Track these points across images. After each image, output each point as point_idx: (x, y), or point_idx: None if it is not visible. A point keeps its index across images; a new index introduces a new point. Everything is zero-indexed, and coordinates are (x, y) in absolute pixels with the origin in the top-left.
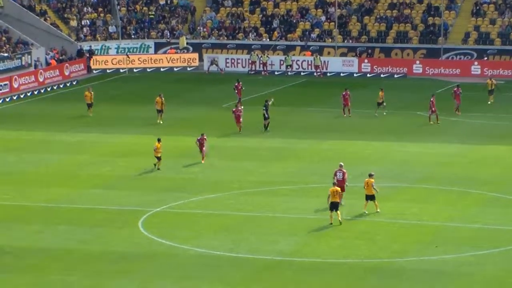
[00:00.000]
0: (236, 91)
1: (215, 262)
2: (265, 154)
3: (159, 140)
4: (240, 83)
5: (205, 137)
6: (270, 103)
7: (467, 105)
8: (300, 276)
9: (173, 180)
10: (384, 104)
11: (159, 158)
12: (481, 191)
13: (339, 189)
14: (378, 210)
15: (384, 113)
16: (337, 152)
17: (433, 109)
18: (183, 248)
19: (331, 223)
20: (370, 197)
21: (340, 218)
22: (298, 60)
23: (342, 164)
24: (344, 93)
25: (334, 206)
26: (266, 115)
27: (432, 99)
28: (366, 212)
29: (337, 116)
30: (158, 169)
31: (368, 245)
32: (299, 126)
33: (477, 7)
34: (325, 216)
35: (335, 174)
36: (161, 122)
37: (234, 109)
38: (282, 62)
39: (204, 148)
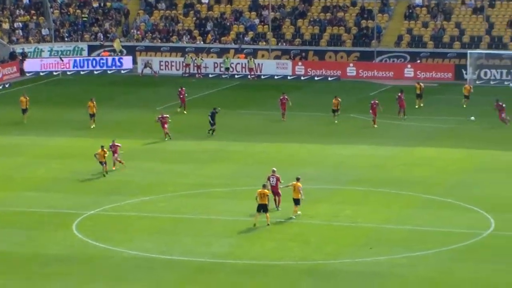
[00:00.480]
0: (180, 96)
1: (149, 265)
2: (200, 157)
3: (102, 147)
4: (184, 89)
5: (117, 143)
6: (217, 111)
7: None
8: (234, 278)
9: (108, 183)
10: (339, 112)
11: (102, 163)
12: (413, 192)
13: (267, 191)
14: (293, 216)
15: (336, 122)
16: (271, 154)
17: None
18: (117, 251)
19: (255, 225)
20: (295, 201)
21: (268, 221)
22: (232, 63)
23: (275, 169)
24: (281, 97)
25: (261, 208)
26: (212, 122)
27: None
28: (294, 216)
29: (271, 118)
30: (104, 175)
31: (302, 247)
32: (234, 129)
33: (410, 10)
34: (260, 219)
35: (269, 179)
36: (94, 126)
37: (159, 116)
38: (216, 65)
39: (116, 155)
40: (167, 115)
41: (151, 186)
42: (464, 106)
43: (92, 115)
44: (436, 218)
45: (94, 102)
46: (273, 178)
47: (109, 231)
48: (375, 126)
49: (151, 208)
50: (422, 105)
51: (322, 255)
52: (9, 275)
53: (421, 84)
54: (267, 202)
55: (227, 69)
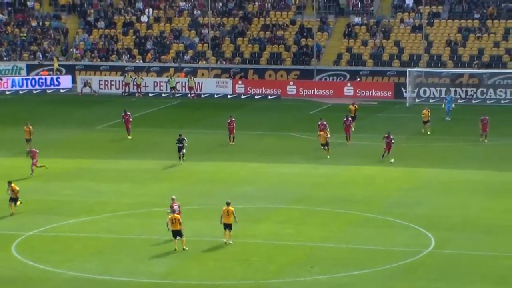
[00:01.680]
0: (124, 120)
1: (88, 285)
2: (140, 176)
3: (9, 183)
4: (128, 113)
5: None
6: (184, 139)
7: (340, 126)
8: None
9: (47, 203)
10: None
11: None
12: (354, 211)
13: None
14: (231, 242)
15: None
16: (212, 173)
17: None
18: (57, 272)
19: (225, 242)
20: (227, 226)
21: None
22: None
23: (175, 197)
24: (229, 120)
25: (175, 234)
26: (181, 146)
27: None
28: (226, 241)
29: (212, 137)
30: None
31: (243, 266)
32: (174, 147)
33: (349, 29)
34: (200, 238)
35: (172, 207)
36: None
37: (29, 150)
38: (156, 84)
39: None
40: (36, 150)
41: (89, 205)
42: (428, 133)
43: (28, 140)
44: (377, 236)
45: (30, 127)
46: (175, 205)
47: (49, 252)
48: (349, 143)
49: (90, 228)
50: (353, 129)
51: (263, 274)
52: None
53: (356, 106)
54: (179, 228)
55: (172, 88)
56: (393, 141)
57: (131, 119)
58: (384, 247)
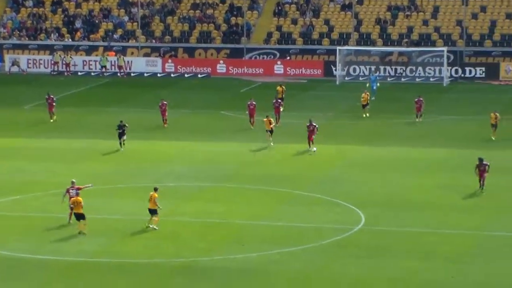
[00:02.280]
0: (47, 103)
1: (20, 264)
2: (71, 155)
3: None
4: (52, 96)
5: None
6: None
7: (270, 106)
8: (104, 277)
9: None
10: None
11: None
12: (284, 189)
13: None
14: (156, 227)
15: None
16: (141, 152)
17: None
18: None
19: (148, 226)
20: (151, 211)
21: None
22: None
23: (74, 180)
24: (160, 103)
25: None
26: (121, 131)
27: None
28: (151, 226)
29: (141, 116)
30: None
31: (173, 244)
32: (104, 126)
33: (279, 7)
34: (130, 217)
35: (68, 192)
36: None
37: None
38: (85, 63)
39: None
40: None
41: (21, 185)
42: (368, 115)
43: None
44: (307, 214)
45: None
46: (72, 190)
47: None
48: (278, 124)
49: (21, 207)
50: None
51: (194, 252)
52: None
53: (283, 87)
54: (81, 211)
55: (104, 66)
56: (316, 127)
57: (54, 103)
58: (315, 224)
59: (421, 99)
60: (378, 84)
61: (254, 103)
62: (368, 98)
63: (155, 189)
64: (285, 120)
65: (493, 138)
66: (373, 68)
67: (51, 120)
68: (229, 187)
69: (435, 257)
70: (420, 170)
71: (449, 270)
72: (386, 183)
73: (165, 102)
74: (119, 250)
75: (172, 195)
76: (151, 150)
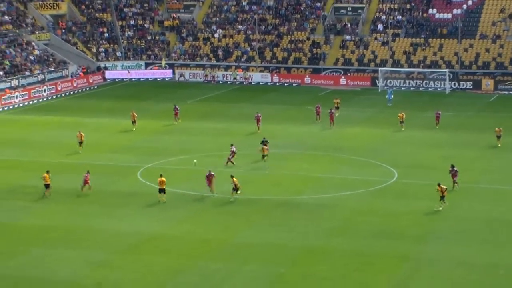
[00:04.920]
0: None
1: (184, 197)
2: (214, 133)
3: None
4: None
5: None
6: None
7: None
8: (238, 207)
9: None
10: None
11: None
12: (345, 155)
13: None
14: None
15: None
16: (257, 134)
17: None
18: None
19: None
20: (161, 190)
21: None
22: None
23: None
24: (256, 115)
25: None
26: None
27: None
28: (162, 200)
29: (260, 108)
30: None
31: (276, 188)
32: (237, 115)
33: (343, 43)
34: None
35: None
36: None
37: None
38: (223, 76)
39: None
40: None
41: (184, 150)
42: (499, 145)
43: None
44: (359, 171)
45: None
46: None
47: None
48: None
49: (185, 163)
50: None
51: (289, 193)
52: None
53: (338, 100)
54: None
55: (235, 78)
56: (335, 114)
57: (178, 111)
58: (365, 177)
59: (439, 112)
60: (392, 96)
61: (259, 114)
62: (404, 116)
63: (161, 176)
64: (345, 113)
65: (499, 145)
66: (401, 81)
67: (175, 123)
68: (310, 153)
69: (447, 199)
70: (433, 146)
71: (458, 206)
72: (413, 154)
73: (259, 114)
74: (246, 191)
75: (277, 157)
76: (264, 130)
